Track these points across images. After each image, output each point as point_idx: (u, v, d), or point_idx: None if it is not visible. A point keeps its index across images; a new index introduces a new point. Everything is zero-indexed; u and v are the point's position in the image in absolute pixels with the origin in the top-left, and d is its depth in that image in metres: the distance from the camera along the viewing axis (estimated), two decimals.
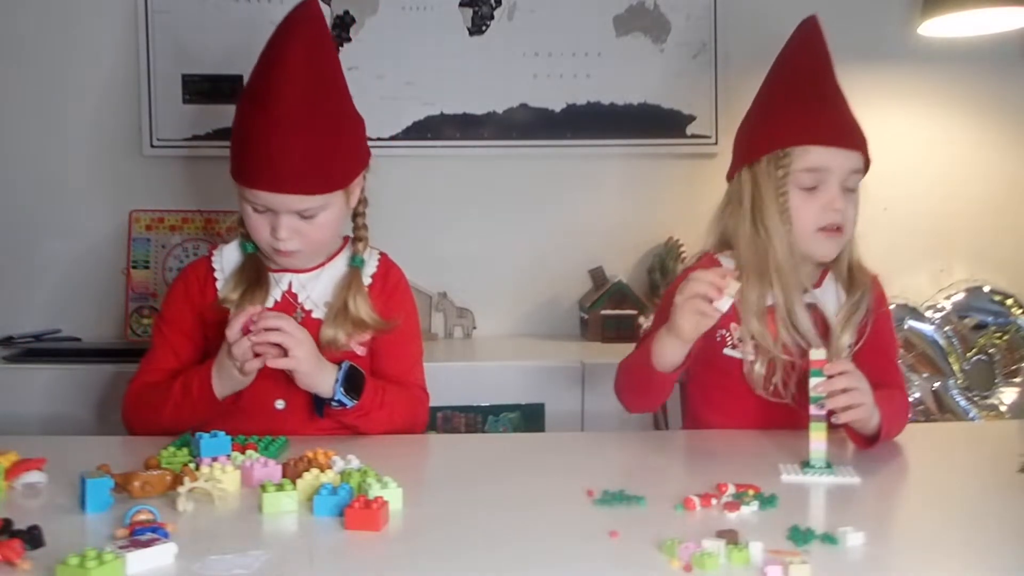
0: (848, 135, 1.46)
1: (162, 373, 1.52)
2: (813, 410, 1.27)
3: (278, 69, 1.44)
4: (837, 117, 1.47)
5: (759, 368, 1.45)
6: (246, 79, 2.40)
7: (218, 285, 1.54)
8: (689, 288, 1.31)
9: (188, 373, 1.47)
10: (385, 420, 1.48)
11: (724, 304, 1.29)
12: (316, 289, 1.54)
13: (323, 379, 1.42)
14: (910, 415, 1.47)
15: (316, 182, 1.45)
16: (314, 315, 1.52)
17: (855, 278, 1.49)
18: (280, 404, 1.50)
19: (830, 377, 1.27)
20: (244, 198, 1.48)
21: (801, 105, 1.48)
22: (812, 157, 1.44)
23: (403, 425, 1.51)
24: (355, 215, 1.58)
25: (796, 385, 1.44)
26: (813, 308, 1.47)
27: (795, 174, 1.44)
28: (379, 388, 1.48)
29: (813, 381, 1.27)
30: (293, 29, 1.47)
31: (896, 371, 1.53)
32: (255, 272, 1.53)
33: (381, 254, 1.63)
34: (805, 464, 1.25)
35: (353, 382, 1.44)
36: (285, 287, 1.54)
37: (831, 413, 1.27)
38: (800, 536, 0.98)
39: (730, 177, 1.57)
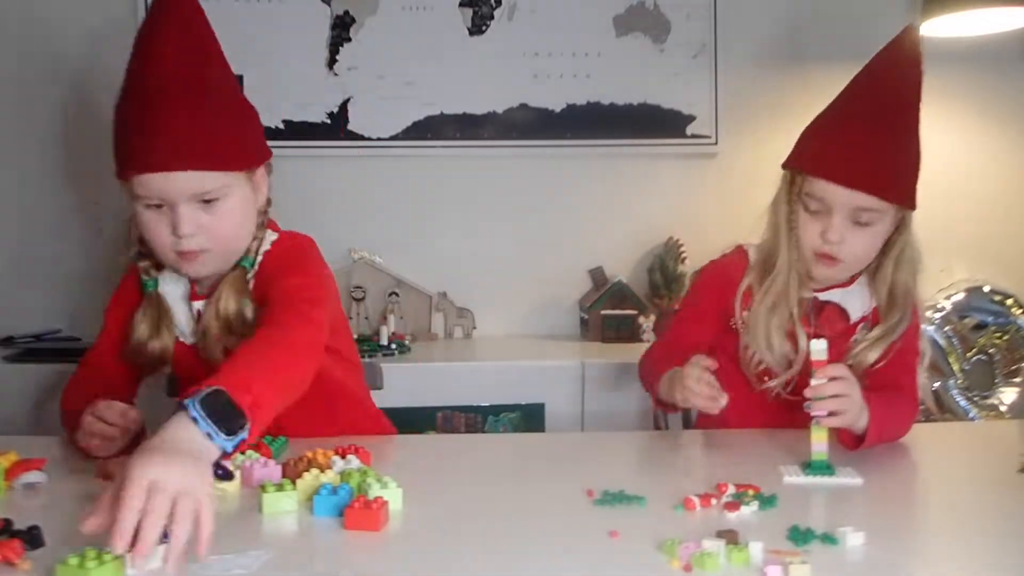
0: (859, 176, 1.41)
1: (94, 367, 1.51)
2: (814, 410, 1.27)
3: (150, 46, 1.33)
4: (857, 154, 1.42)
5: (753, 357, 1.49)
6: (245, 79, 2.44)
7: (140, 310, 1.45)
8: (687, 393, 1.35)
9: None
10: (286, 390, 1.17)
11: (819, 347, 1.29)
12: (210, 313, 1.40)
13: (205, 462, 1.00)
14: (913, 421, 1.46)
15: (207, 155, 1.31)
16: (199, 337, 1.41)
17: (895, 302, 1.48)
18: None
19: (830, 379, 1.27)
20: (135, 196, 1.35)
21: (827, 132, 1.48)
22: (816, 186, 1.44)
23: (303, 372, 1.23)
24: (258, 215, 1.44)
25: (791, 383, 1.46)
26: (832, 306, 1.48)
27: (803, 195, 1.47)
28: (240, 365, 1.14)
29: (815, 382, 1.27)
30: (163, 11, 1.36)
31: (909, 378, 1.50)
32: (156, 312, 1.43)
33: (280, 234, 1.47)
34: (806, 465, 1.25)
35: (218, 409, 1.03)
36: (195, 315, 1.43)
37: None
38: (800, 536, 0.98)
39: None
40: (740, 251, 1.58)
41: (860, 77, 1.51)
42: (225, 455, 1.02)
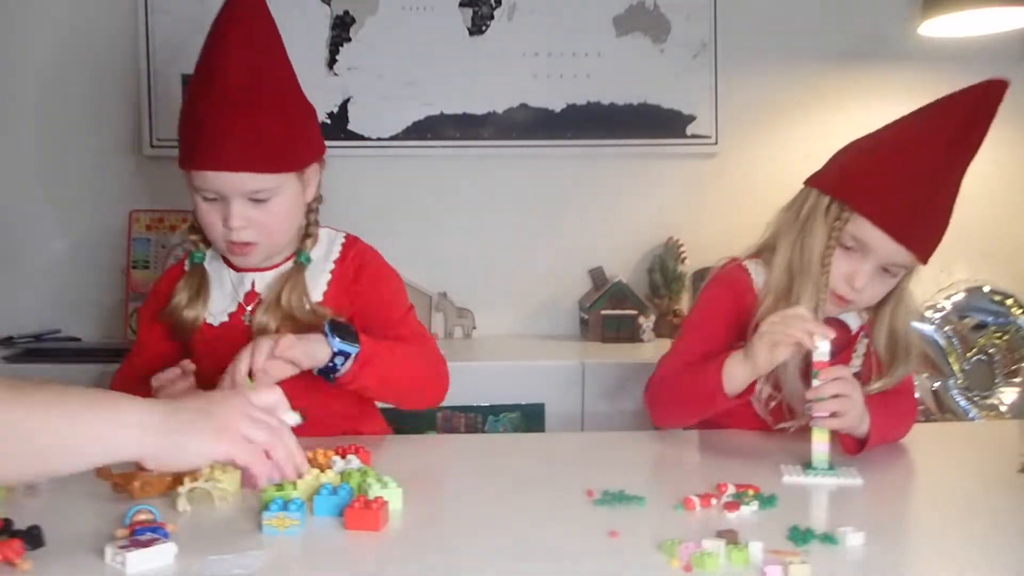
0: (914, 236, 1.36)
1: (136, 370, 1.53)
2: (815, 411, 1.27)
3: (219, 49, 1.40)
4: (917, 211, 1.36)
5: (763, 389, 1.41)
6: None
7: (179, 285, 1.53)
8: (789, 330, 1.28)
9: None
10: (400, 372, 1.44)
11: (822, 348, 1.27)
12: (263, 287, 1.51)
13: (315, 345, 1.35)
14: (914, 420, 1.45)
15: (262, 159, 1.40)
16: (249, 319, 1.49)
17: (895, 352, 1.44)
18: None
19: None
20: (194, 187, 1.45)
21: (888, 176, 1.38)
22: (863, 229, 1.37)
23: (425, 372, 1.49)
24: (307, 211, 1.53)
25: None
26: (831, 319, 1.44)
27: (845, 231, 1.39)
28: (380, 338, 1.43)
29: (816, 382, 1.27)
30: (234, 11, 1.43)
31: (908, 385, 1.49)
32: (198, 282, 1.51)
33: (346, 236, 1.58)
34: (807, 466, 1.25)
35: (344, 332, 1.38)
36: (248, 287, 1.50)
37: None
38: (800, 536, 0.98)
39: (811, 181, 1.50)
40: (740, 269, 1.51)
41: (931, 119, 1.43)
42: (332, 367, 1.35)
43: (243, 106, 1.39)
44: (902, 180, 1.37)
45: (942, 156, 1.38)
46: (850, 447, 1.32)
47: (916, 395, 1.51)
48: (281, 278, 1.50)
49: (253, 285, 1.51)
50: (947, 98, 1.44)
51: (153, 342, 1.56)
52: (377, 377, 1.41)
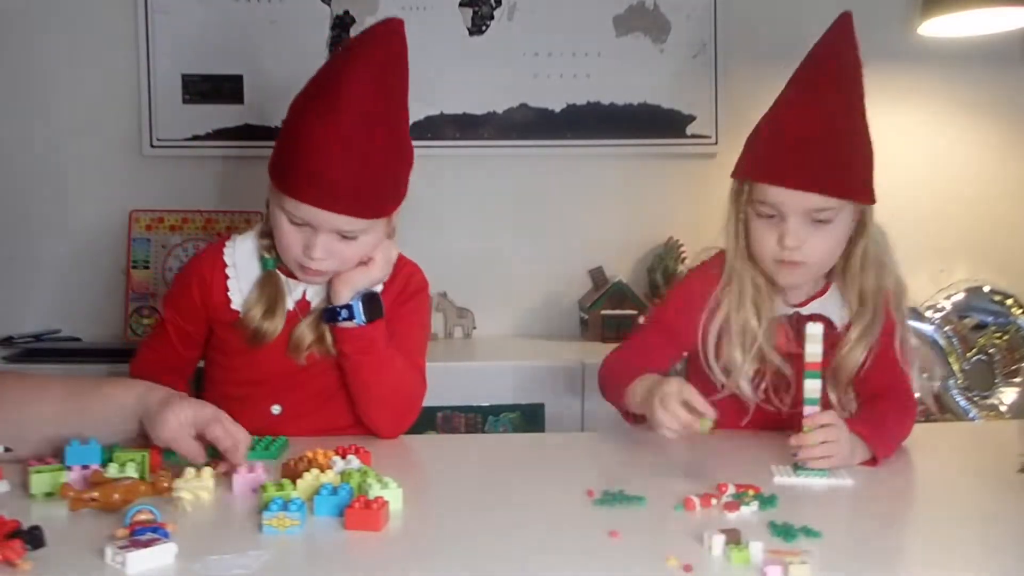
0: (809, 177, 1.37)
1: (157, 366, 1.52)
2: (806, 411, 1.27)
3: (349, 86, 1.37)
4: (803, 154, 1.38)
5: (746, 375, 1.44)
6: (247, 79, 2.45)
7: (229, 284, 1.49)
8: (661, 418, 1.28)
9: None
10: (387, 367, 1.46)
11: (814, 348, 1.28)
12: (318, 298, 1.51)
13: (349, 288, 1.43)
14: (914, 418, 1.44)
15: (371, 205, 1.41)
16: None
17: (865, 302, 1.45)
18: (276, 409, 1.50)
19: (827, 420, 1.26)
20: (281, 208, 1.41)
21: (771, 135, 1.44)
22: (767, 192, 1.40)
23: (399, 385, 1.47)
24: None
25: (786, 393, 1.45)
26: (815, 317, 1.44)
27: (754, 202, 1.42)
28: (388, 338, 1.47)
29: (808, 383, 1.27)
30: (372, 48, 1.43)
31: (902, 377, 1.47)
32: (274, 292, 1.48)
33: (403, 260, 1.58)
34: (795, 466, 1.25)
35: (370, 307, 1.44)
36: (299, 296, 1.50)
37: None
38: (780, 531, 0.99)
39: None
40: (721, 255, 1.52)
41: (799, 73, 1.46)
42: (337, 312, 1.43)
43: (363, 151, 1.37)
44: (783, 132, 1.41)
45: (820, 95, 1.40)
46: (864, 464, 1.30)
47: (914, 387, 1.49)
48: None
49: (304, 294, 1.50)
50: (808, 57, 1.47)
51: (181, 331, 1.52)
52: (361, 359, 1.44)
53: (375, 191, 1.41)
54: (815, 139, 1.38)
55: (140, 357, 1.57)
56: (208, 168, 2.45)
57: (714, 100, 2.54)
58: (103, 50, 2.44)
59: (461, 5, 2.49)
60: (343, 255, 1.42)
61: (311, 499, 1.08)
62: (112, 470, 1.14)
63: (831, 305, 1.48)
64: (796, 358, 1.40)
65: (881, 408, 1.37)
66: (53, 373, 2.08)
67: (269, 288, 1.48)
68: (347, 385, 1.49)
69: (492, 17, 2.50)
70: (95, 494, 1.06)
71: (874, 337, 1.43)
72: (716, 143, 2.55)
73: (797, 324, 1.44)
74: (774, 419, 1.45)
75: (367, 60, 1.40)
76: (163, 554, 0.93)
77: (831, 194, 1.37)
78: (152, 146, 2.45)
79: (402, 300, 1.54)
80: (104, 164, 2.46)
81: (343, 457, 1.24)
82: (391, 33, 1.45)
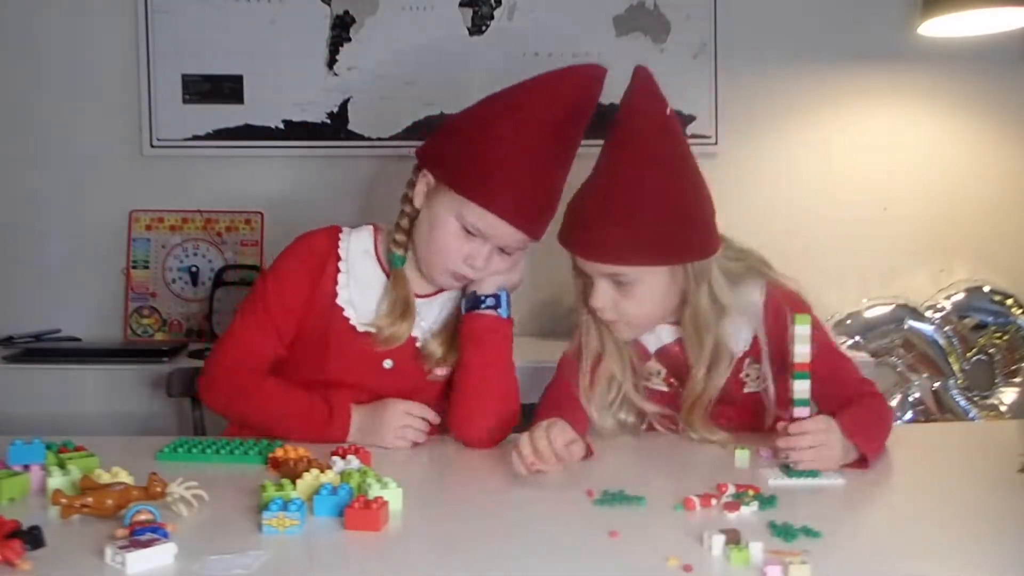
0: (589, 248, 1.41)
1: (262, 358, 1.46)
2: (796, 413, 1.26)
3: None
4: (586, 224, 1.41)
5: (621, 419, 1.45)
6: (247, 79, 2.45)
7: (340, 278, 1.47)
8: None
9: (318, 399, 1.43)
10: (506, 370, 1.48)
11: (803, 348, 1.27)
12: (430, 316, 1.51)
13: (493, 282, 1.47)
14: (893, 416, 1.43)
15: (540, 229, 1.46)
16: (423, 340, 1.50)
17: (703, 348, 1.41)
18: (388, 363, 1.49)
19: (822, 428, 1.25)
20: (457, 213, 1.40)
21: (569, 207, 1.47)
22: (575, 257, 1.45)
23: (508, 391, 1.48)
24: None
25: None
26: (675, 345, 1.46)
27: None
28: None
29: (797, 384, 1.26)
30: (570, 85, 1.50)
31: (853, 383, 1.45)
32: (405, 298, 1.47)
33: None
34: (786, 467, 1.25)
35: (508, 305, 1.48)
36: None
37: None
38: (780, 531, 0.99)
39: None
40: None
41: (606, 139, 1.45)
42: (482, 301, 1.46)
43: (548, 177, 1.43)
44: (578, 201, 1.44)
45: (619, 164, 1.41)
46: (854, 467, 1.29)
47: (863, 375, 1.48)
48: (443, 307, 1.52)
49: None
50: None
51: (288, 324, 1.47)
52: (496, 359, 1.46)
53: (548, 215, 1.47)
54: (604, 208, 1.37)
55: (236, 350, 1.47)
56: (208, 168, 2.45)
57: (714, 100, 2.54)
58: (103, 50, 2.44)
59: (461, 5, 2.49)
60: (497, 267, 1.46)
61: (311, 499, 1.08)
62: (104, 476, 1.14)
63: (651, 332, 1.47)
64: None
65: (854, 410, 1.34)
66: (53, 373, 2.09)
67: (400, 290, 1.47)
68: (458, 386, 1.47)
69: (492, 17, 2.50)
70: (88, 500, 1.06)
71: (724, 374, 1.41)
72: (716, 143, 2.54)
73: (667, 355, 1.45)
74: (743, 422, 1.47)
75: (564, 95, 1.46)
76: (163, 554, 0.93)
77: (617, 263, 1.36)
78: (152, 146, 2.45)
79: None
80: (104, 164, 2.46)
81: (343, 457, 1.24)
82: (593, 80, 1.52)
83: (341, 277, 1.47)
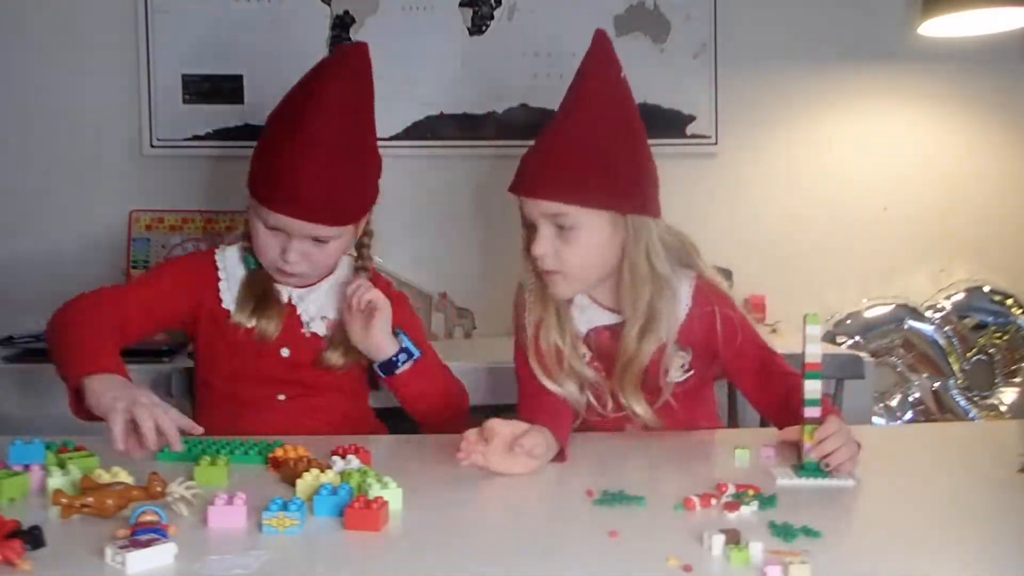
0: (538, 186, 1.41)
1: (112, 304, 1.49)
2: (807, 413, 1.26)
3: (318, 104, 1.47)
4: (531, 163, 1.43)
5: (569, 389, 1.46)
6: (247, 79, 2.45)
7: (220, 287, 1.56)
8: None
9: (101, 356, 1.34)
10: (439, 380, 1.59)
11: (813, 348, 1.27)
12: (314, 302, 1.58)
13: (383, 335, 1.52)
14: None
15: (339, 214, 1.50)
16: (312, 327, 1.57)
17: (653, 325, 1.42)
18: (285, 352, 1.56)
19: (824, 439, 1.23)
20: (258, 215, 1.51)
21: (522, 158, 1.47)
22: (520, 202, 1.44)
23: (449, 388, 1.61)
24: (360, 246, 1.62)
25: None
26: (613, 329, 1.47)
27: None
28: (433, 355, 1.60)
29: (808, 384, 1.26)
30: (339, 68, 1.52)
31: (769, 353, 1.49)
32: (261, 288, 1.56)
33: (375, 273, 1.65)
34: (799, 467, 1.25)
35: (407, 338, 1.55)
36: (284, 300, 1.57)
37: (824, 414, 1.26)
38: (780, 531, 0.99)
39: None
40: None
41: (564, 97, 1.47)
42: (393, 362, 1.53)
43: (334, 164, 1.47)
44: (530, 151, 1.46)
45: (573, 113, 1.44)
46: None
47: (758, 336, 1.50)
48: (315, 346, 1.57)
49: (289, 299, 1.57)
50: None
51: (153, 304, 1.54)
52: (424, 385, 1.56)
53: (343, 201, 1.50)
54: (551, 145, 1.43)
55: (99, 291, 1.53)
56: (208, 168, 2.45)
57: (714, 100, 2.54)
58: (103, 50, 2.44)
59: (461, 5, 2.49)
60: (315, 259, 1.52)
61: (311, 499, 1.08)
62: (104, 475, 1.14)
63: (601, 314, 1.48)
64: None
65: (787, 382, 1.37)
66: (53, 373, 2.08)
67: (255, 287, 1.56)
68: (414, 414, 1.61)
69: (492, 17, 2.50)
70: (88, 500, 1.06)
71: (656, 342, 1.41)
72: (716, 143, 2.55)
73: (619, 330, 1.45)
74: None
75: (334, 80, 1.49)
76: (163, 554, 0.93)
77: (558, 199, 1.39)
78: (152, 146, 2.45)
79: (399, 318, 1.59)
80: (104, 164, 2.46)
81: (343, 457, 1.24)
82: (359, 56, 1.53)
83: (222, 284, 1.57)
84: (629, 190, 1.42)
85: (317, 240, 1.50)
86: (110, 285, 1.63)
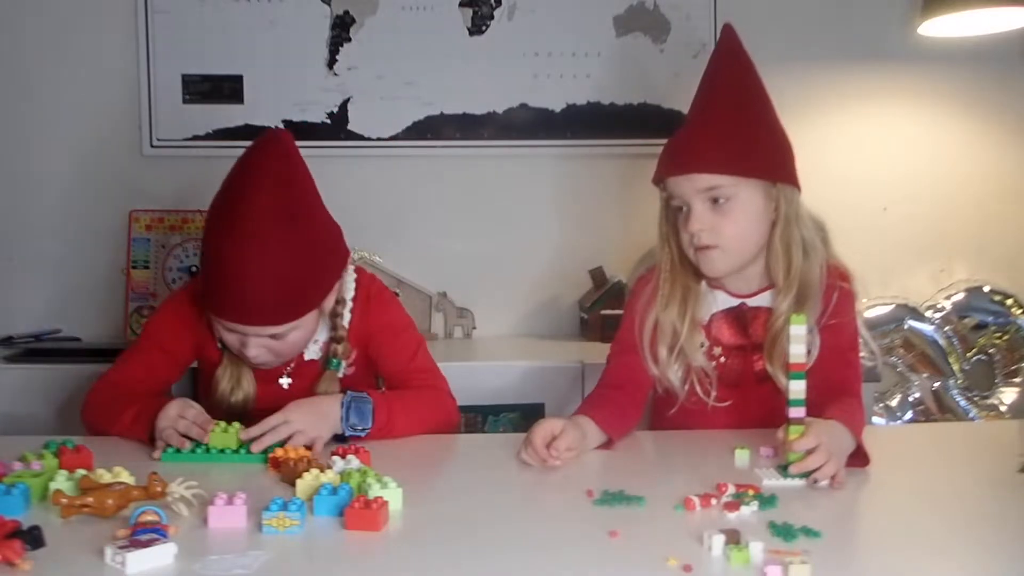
0: (691, 160, 1.44)
1: (129, 382, 1.54)
2: (791, 413, 1.26)
3: (249, 203, 1.39)
4: (688, 143, 1.46)
5: (674, 371, 1.48)
6: (247, 79, 2.45)
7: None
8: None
9: (142, 406, 1.45)
10: (415, 423, 1.50)
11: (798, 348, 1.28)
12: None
13: (329, 426, 1.42)
14: (865, 417, 1.43)
15: (290, 310, 1.44)
16: (308, 355, 1.56)
17: (805, 295, 1.45)
18: (285, 382, 1.57)
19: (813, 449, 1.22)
20: (213, 317, 1.47)
21: (668, 142, 1.51)
22: (669, 187, 1.47)
23: (434, 423, 1.53)
24: (334, 315, 1.55)
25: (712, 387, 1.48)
26: (763, 311, 1.48)
27: (670, 204, 1.50)
28: (392, 398, 1.51)
29: (793, 384, 1.26)
30: (265, 161, 1.44)
31: (854, 379, 1.48)
32: (239, 369, 1.55)
33: (356, 271, 1.60)
34: (782, 468, 1.24)
35: (360, 410, 1.45)
36: None
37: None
38: (780, 531, 0.99)
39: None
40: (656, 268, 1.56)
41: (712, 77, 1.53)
42: (342, 437, 1.42)
43: (270, 264, 1.38)
44: (677, 134, 1.50)
45: (705, 96, 1.49)
46: (856, 465, 1.27)
47: (862, 392, 1.49)
48: (313, 371, 1.56)
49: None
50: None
51: (159, 360, 1.58)
52: (394, 433, 1.47)
53: (293, 296, 1.44)
54: (697, 130, 1.47)
55: (111, 372, 1.58)
56: (208, 168, 2.43)
57: None
58: (103, 50, 2.44)
59: (461, 5, 2.49)
60: (278, 350, 1.49)
61: (311, 499, 1.08)
62: (104, 475, 1.14)
63: (760, 304, 1.50)
64: (738, 349, 1.49)
65: (845, 410, 1.33)
66: (53, 373, 2.09)
67: (235, 365, 1.55)
68: None
69: (492, 17, 2.50)
70: (88, 500, 1.06)
71: (811, 317, 1.42)
72: None
73: (742, 316, 1.50)
74: (736, 420, 1.48)
75: (263, 175, 1.42)
76: (163, 554, 0.93)
77: (715, 171, 1.42)
78: (152, 146, 2.45)
79: (370, 320, 1.58)
80: (104, 164, 2.46)
81: (343, 457, 1.24)
82: (280, 143, 1.47)
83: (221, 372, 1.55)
84: (779, 159, 1.48)
85: (275, 337, 1.46)
86: (111, 367, 1.59)
